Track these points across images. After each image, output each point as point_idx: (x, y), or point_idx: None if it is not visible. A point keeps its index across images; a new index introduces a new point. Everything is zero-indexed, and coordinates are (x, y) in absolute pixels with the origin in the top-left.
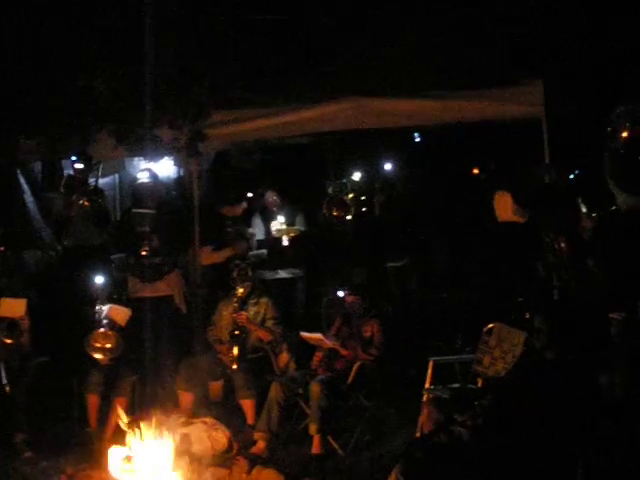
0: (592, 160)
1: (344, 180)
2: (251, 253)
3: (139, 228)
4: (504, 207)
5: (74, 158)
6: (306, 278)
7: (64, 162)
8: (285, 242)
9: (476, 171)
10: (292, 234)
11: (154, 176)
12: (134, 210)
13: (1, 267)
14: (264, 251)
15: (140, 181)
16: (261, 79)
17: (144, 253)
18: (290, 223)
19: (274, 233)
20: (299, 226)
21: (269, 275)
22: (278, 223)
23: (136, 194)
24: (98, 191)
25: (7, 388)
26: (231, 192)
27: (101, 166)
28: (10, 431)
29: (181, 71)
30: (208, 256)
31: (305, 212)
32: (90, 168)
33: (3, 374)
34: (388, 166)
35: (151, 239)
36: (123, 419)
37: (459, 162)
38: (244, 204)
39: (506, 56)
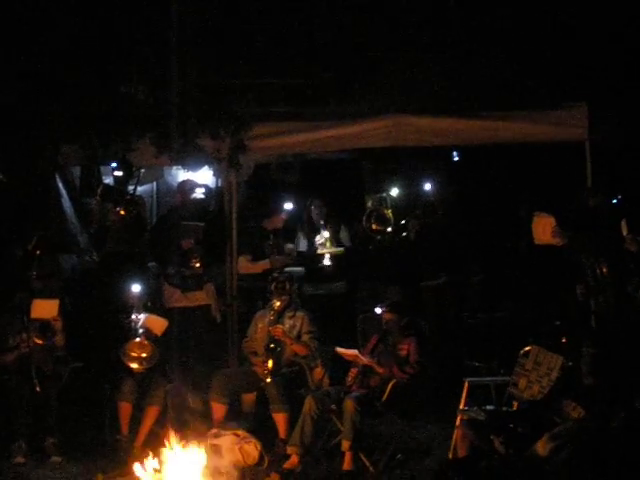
0: (636, 183)
1: (383, 194)
2: (288, 269)
3: (185, 240)
4: (543, 230)
5: (114, 165)
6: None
7: (103, 168)
8: (327, 261)
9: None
10: (334, 253)
11: (208, 190)
12: (184, 222)
13: (37, 271)
14: (301, 269)
15: (195, 196)
16: (303, 93)
17: (197, 265)
18: (334, 239)
19: (318, 250)
20: (344, 241)
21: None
22: (322, 238)
23: (189, 208)
24: (135, 200)
25: (37, 388)
26: (270, 204)
27: (141, 174)
28: (41, 435)
29: (224, 82)
30: (245, 266)
31: (349, 227)
32: (130, 176)
33: (33, 374)
34: (427, 186)
35: (197, 250)
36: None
37: (498, 183)
38: (283, 216)
39: (551, 78)
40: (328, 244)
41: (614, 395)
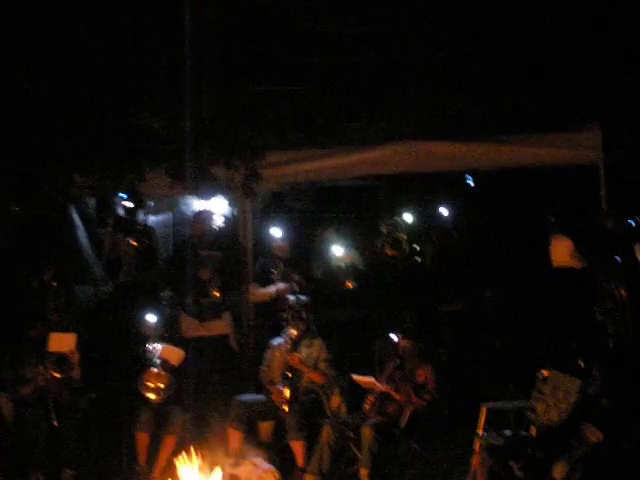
0: None
1: (398, 219)
2: (291, 297)
3: (203, 270)
4: (561, 251)
5: (124, 196)
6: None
7: (117, 199)
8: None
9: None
10: (348, 260)
11: (227, 219)
12: (202, 252)
13: (53, 302)
14: (306, 297)
15: (216, 225)
16: (316, 121)
17: (217, 294)
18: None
19: (334, 259)
20: (358, 266)
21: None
22: (338, 249)
23: (206, 238)
24: (147, 230)
25: (55, 422)
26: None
27: (152, 204)
28: (58, 466)
29: (238, 111)
30: (254, 293)
31: (361, 251)
32: (140, 206)
33: (51, 407)
34: (444, 211)
35: (215, 280)
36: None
37: (513, 207)
38: (281, 243)
39: (564, 100)
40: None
41: (631, 417)
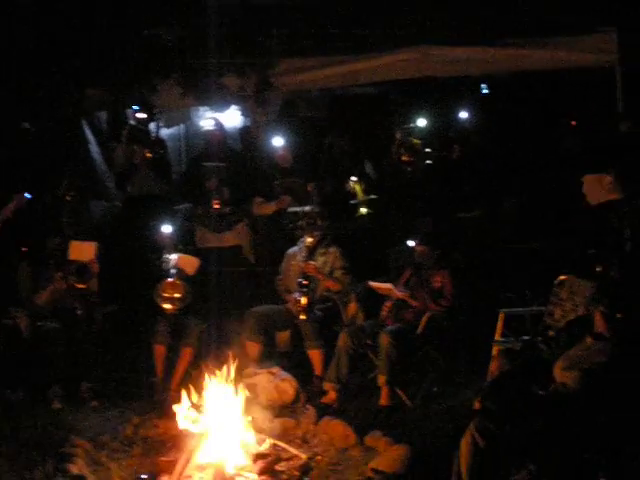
0: None
1: (411, 125)
2: (295, 209)
3: (209, 181)
4: (596, 189)
5: (136, 107)
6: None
7: (129, 112)
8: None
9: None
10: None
11: (221, 127)
12: (204, 164)
13: (68, 216)
14: (307, 208)
15: (206, 129)
16: (328, 28)
17: (217, 206)
18: (363, 181)
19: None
20: (369, 173)
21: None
22: (351, 182)
23: (205, 146)
24: (159, 142)
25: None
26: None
27: (164, 116)
28: (76, 380)
29: (249, 18)
30: (258, 207)
31: (373, 159)
32: (152, 118)
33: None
34: (463, 115)
35: (221, 191)
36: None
37: (529, 114)
38: (282, 152)
39: (581, 4)
40: (358, 190)
41: None
